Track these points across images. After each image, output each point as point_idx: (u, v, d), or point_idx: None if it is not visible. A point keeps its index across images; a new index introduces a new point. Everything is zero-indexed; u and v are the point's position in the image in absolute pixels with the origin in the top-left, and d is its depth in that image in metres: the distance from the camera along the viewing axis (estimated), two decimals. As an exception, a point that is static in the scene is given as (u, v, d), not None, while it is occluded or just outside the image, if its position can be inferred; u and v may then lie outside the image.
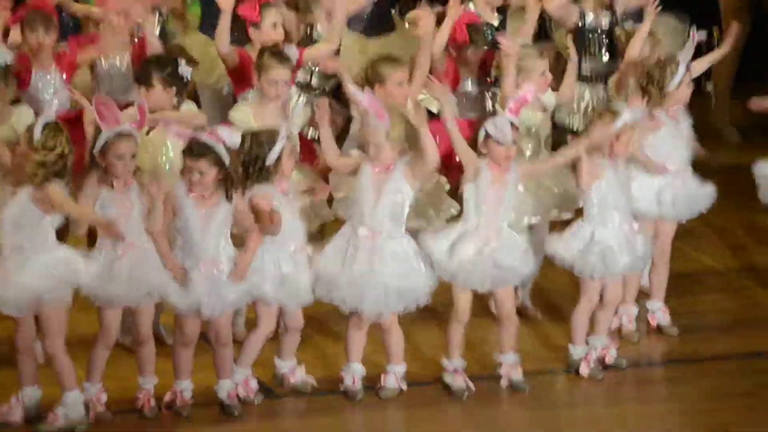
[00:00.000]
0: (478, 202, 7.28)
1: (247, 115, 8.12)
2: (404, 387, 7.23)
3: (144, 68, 7.88)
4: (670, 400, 7.58)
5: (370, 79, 8.06)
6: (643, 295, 8.31)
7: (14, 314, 6.80)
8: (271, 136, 7.06)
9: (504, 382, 7.41)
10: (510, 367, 7.40)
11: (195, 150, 6.72)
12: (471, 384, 7.38)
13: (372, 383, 7.20)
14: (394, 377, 7.24)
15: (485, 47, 9.03)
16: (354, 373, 7.15)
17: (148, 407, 6.82)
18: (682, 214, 8.18)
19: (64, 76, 8.44)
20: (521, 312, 8.28)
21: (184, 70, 8.12)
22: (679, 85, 8.15)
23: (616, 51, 9.46)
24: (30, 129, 6.85)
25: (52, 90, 8.29)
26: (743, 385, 7.55)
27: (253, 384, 7.11)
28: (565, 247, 7.58)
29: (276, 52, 8.14)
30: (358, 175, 7.17)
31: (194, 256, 6.80)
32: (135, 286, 6.78)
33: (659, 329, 8.10)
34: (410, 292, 7.23)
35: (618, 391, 7.62)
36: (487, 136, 7.36)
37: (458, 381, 7.25)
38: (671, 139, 8.12)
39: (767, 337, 8.30)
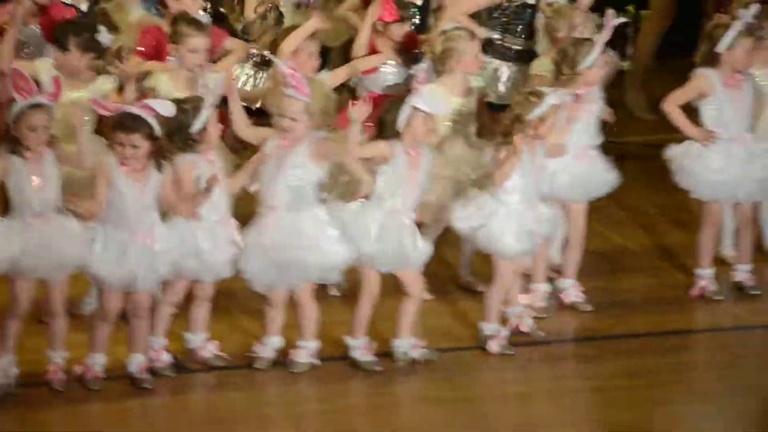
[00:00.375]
0: (394, 184, 7.44)
1: (167, 83, 8.21)
2: (316, 362, 7.39)
3: (61, 31, 7.86)
4: (581, 377, 7.78)
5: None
6: (557, 274, 8.52)
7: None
8: (196, 103, 7.12)
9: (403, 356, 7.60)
10: (409, 346, 7.61)
11: (127, 123, 6.77)
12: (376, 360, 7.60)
13: (284, 358, 7.36)
14: (305, 352, 7.37)
15: (411, 26, 9.23)
16: (272, 345, 7.30)
17: (57, 380, 6.86)
18: (579, 196, 8.33)
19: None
20: (467, 288, 8.61)
21: (105, 37, 8.15)
22: (592, 66, 8.32)
23: (533, 29, 9.62)
24: None
25: None
26: (655, 363, 7.78)
27: (166, 357, 7.19)
28: (466, 220, 7.76)
29: (192, 20, 8.18)
30: (263, 147, 7.35)
31: (129, 229, 6.87)
32: (47, 257, 6.79)
33: (572, 307, 8.26)
34: (314, 268, 7.35)
35: (529, 367, 7.79)
36: (415, 110, 7.47)
37: (366, 357, 7.45)
38: (581, 121, 8.34)
39: (679, 316, 8.54)
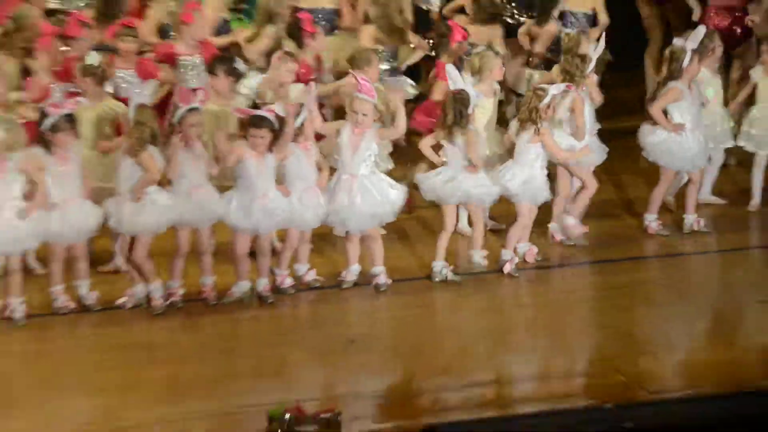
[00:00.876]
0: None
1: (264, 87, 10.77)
2: (389, 281, 9.71)
3: (212, 63, 10.29)
4: (567, 291, 10.10)
5: (359, 65, 10.45)
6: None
7: (150, 234, 9.23)
8: (298, 108, 9.57)
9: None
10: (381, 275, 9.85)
11: (258, 122, 9.16)
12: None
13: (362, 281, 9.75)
14: (383, 275, 9.72)
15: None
16: (354, 272, 9.66)
17: (210, 297, 9.26)
18: (592, 163, 10.90)
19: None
20: (494, 229, 10.92)
21: (240, 66, 10.74)
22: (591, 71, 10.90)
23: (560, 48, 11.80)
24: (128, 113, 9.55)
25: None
26: (619, 281, 10.15)
27: (289, 281, 9.58)
28: (512, 180, 10.06)
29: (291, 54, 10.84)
30: (340, 135, 9.60)
31: (253, 193, 9.20)
32: (200, 214, 9.27)
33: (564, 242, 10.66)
34: (380, 215, 9.72)
35: (531, 286, 10.13)
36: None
37: (449, 273, 9.76)
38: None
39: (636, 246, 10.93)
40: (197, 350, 9.15)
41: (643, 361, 9.03)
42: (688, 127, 11.12)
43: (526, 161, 10.26)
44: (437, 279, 10.06)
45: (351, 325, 9.62)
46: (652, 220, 11.35)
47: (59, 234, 9.47)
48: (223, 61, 10.82)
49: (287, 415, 7.65)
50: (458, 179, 10.13)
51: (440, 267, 10.13)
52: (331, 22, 12.74)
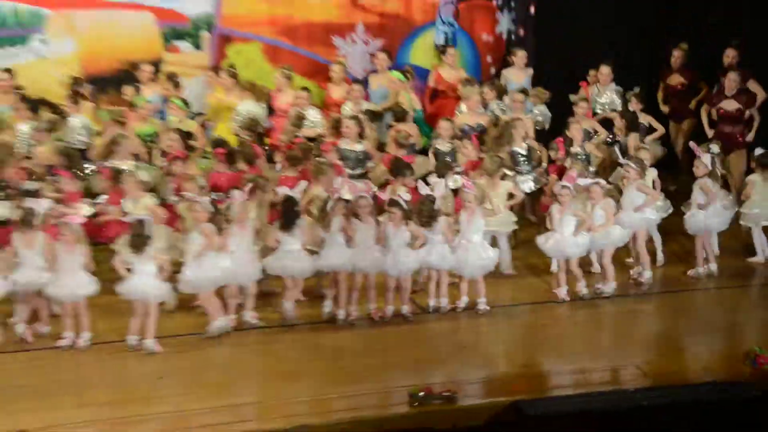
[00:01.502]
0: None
1: None
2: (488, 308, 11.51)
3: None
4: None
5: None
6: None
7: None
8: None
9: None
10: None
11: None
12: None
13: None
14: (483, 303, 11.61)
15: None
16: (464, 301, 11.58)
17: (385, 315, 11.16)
18: None
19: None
20: None
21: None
22: None
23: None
24: None
25: None
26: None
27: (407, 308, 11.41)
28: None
29: None
30: (461, 215, 11.57)
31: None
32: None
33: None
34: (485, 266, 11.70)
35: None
36: None
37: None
38: None
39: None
40: (365, 350, 10.81)
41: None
42: None
43: None
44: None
45: (461, 336, 11.26)
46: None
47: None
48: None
49: (421, 393, 9.35)
50: None
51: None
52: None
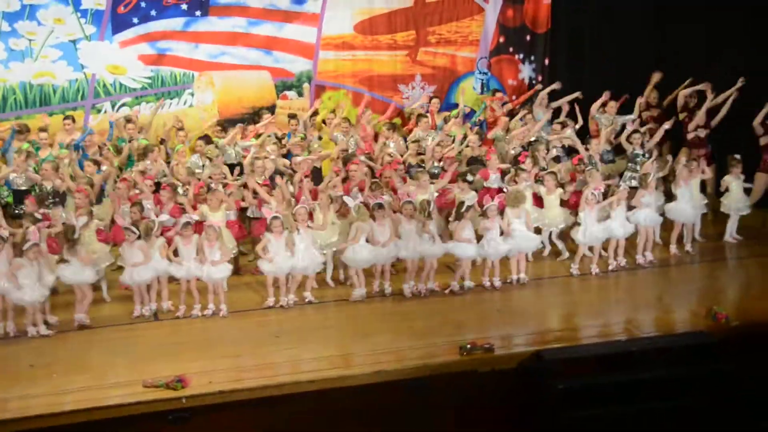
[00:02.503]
0: None
1: None
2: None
3: None
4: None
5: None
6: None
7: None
8: None
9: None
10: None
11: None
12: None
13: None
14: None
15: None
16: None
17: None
18: None
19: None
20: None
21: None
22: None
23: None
24: None
25: None
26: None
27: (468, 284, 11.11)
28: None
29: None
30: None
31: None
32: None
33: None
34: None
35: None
36: None
37: None
38: None
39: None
40: (429, 315, 10.68)
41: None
42: None
43: None
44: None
45: (496, 304, 11.03)
46: None
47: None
48: None
49: (468, 345, 9.51)
50: None
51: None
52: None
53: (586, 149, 12.84)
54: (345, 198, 11.13)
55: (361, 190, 11.64)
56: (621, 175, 12.87)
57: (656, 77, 14.20)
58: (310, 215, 11.00)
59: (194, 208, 11.16)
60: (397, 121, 14.69)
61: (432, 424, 9.36)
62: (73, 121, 13.48)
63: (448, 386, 9.32)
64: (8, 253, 10.01)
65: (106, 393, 8.83)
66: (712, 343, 9.74)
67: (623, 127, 13.56)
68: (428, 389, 9.15)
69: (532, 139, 13.15)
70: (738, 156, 12.55)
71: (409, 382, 9.20)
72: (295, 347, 9.86)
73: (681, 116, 13.64)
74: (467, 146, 13.13)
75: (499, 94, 14.92)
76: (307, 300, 10.97)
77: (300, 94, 15.35)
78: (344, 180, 11.89)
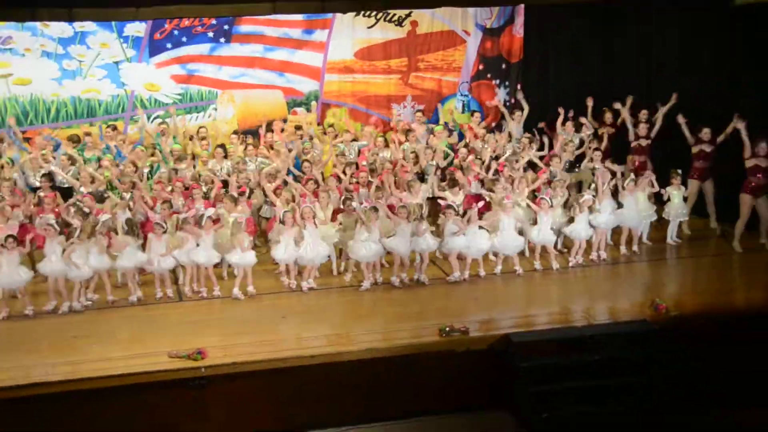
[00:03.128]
0: None
1: None
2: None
3: None
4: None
5: None
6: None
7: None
8: None
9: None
10: None
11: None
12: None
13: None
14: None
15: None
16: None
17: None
18: None
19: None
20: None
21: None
22: None
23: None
24: None
25: None
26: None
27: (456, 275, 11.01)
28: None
29: None
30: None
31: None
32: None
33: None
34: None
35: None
36: None
37: None
38: None
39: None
40: (416, 302, 10.58)
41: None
42: None
43: None
44: None
45: (474, 293, 10.78)
46: None
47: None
48: None
49: (447, 328, 9.44)
50: None
51: None
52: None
53: (548, 165, 12.76)
54: (354, 203, 11.14)
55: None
56: (579, 185, 12.76)
57: (591, 102, 14.21)
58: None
59: (213, 205, 11.06)
60: (389, 135, 14.53)
61: (415, 395, 9.35)
62: (115, 129, 13.58)
63: (429, 363, 9.30)
64: (60, 239, 10.08)
65: (136, 361, 8.92)
66: (654, 330, 9.74)
67: (581, 141, 13.52)
68: (413, 365, 9.17)
69: (509, 152, 13.04)
70: (679, 170, 12.41)
71: (396, 358, 9.18)
72: (299, 327, 9.83)
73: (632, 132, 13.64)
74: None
75: (476, 115, 14.69)
76: (310, 287, 10.86)
77: (308, 110, 15.24)
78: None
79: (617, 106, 13.56)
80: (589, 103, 14.03)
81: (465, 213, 11.24)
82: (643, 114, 13.32)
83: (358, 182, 11.85)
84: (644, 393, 9.19)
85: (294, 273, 10.80)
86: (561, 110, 13.77)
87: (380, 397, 9.24)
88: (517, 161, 12.63)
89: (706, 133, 12.47)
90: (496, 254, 11.30)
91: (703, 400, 9.06)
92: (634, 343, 9.64)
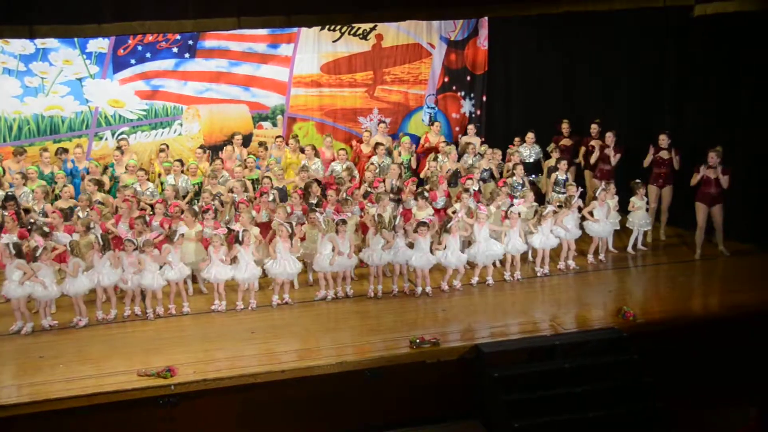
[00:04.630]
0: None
1: None
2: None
3: None
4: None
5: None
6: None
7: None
8: None
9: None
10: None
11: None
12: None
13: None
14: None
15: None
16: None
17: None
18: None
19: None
20: None
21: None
22: None
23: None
24: None
25: None
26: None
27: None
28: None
29: None
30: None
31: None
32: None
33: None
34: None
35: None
36: None
37: None
38: None
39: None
40: (387, 314, 10.46)
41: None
42: None
43: None
44: None
45: (442, 305, 10.65)
46: None
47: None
48: None
49: (417, 340, 9.41)
50: None
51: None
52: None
53: (512, 174, 12.83)
54: (317, 215, 11.05)
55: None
56: (544, 196, 12.85)
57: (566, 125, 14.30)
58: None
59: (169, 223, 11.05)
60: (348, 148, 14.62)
61: (387, 408, 9.32)
62: (66, 151, 13.50)
63: (401, 375, 9.26)
64: (18, 262, 9.96)
65: (105, 380, 8.82)
66: (622, 336, 9.78)
67: (546, 154, 13.67)
68: (384, 378, 9.10)
69: (470, 164, 13.14)
70: (639, 180, 12.47)
71: (367, 371, 9.13)
72: (269, 342, 9.76)
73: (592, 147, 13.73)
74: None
75: (436, 124, 14.69)
76: (285, 301, 10.84)
77: (274, 125, 15.29)
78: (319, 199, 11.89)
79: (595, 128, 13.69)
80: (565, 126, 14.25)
81: (444, 225, 11.18)
82: (609, 137, 13.41)
83: (326, 198, 11.84)
84: (614, 400, 9.24)
85: (278, 288, 10.77)
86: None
87: (352, 411, 9.20)
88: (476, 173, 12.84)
89: (663, 139, 12.56)
90: (471, 264, 11.28)
91: (672, 402, 9.16)
92: (604, 351, 9.69)
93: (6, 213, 10.88)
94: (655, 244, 12.89)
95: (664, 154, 12.58)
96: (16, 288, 9.82)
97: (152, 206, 11.58)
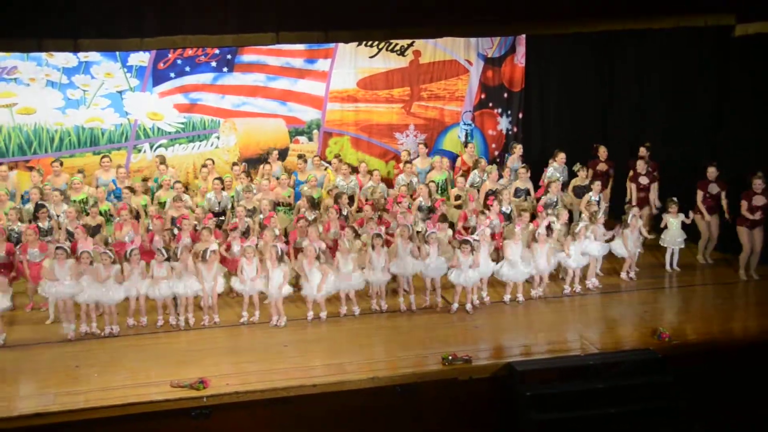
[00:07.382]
0: None
1: None
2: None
3: None
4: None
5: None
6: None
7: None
8: None
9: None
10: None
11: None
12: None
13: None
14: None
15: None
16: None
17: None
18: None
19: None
20: None
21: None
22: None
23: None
24: None
25: None
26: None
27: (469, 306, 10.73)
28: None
29: None
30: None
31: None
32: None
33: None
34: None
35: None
36: None
37: None
38: None
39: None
40: (419, 329, 10.53)
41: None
42: None
43: None
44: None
45: (475, 321, 10.71)
46: None
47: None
48: None
49: (450, 356, 9.42)
50: None
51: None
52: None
53: (546, 192, 12.77)
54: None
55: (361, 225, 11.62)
56: (571, 216, 12.71)
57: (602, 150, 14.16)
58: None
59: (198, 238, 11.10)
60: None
61: (418, 424, 9.28)
62: (110, 159, 13.61)
63: (432, 392, 9.23)
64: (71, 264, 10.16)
65: (138, 391, 8.88)
66: (657, 358, 9.72)
67: (573, 173, 13.60)
68: (416, 394, 9.06)
69: (499, 186, 13.02)
70: (675, 198, 12.41)
71: (398, 387, 9.12)
72: (302, 356, 9.79)
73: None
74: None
75: (470, 146, 14.64)
76: (321, 316, 10.88)
77: (310, 139, 15.32)
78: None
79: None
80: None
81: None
82: (643, 151, 13.37)
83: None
84: (648, 422, 9.26)
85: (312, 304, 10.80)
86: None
87: (383, 427, 9.19)
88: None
89: (711, 172, 12.50)
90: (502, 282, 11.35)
91: (707, 426, 9.26)
92: (639, 372, 9.64)
93: (28, 226, 10.91)
94: (694, 263, 12.87)
95: (712, 189, 12.49)
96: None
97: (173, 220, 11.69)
